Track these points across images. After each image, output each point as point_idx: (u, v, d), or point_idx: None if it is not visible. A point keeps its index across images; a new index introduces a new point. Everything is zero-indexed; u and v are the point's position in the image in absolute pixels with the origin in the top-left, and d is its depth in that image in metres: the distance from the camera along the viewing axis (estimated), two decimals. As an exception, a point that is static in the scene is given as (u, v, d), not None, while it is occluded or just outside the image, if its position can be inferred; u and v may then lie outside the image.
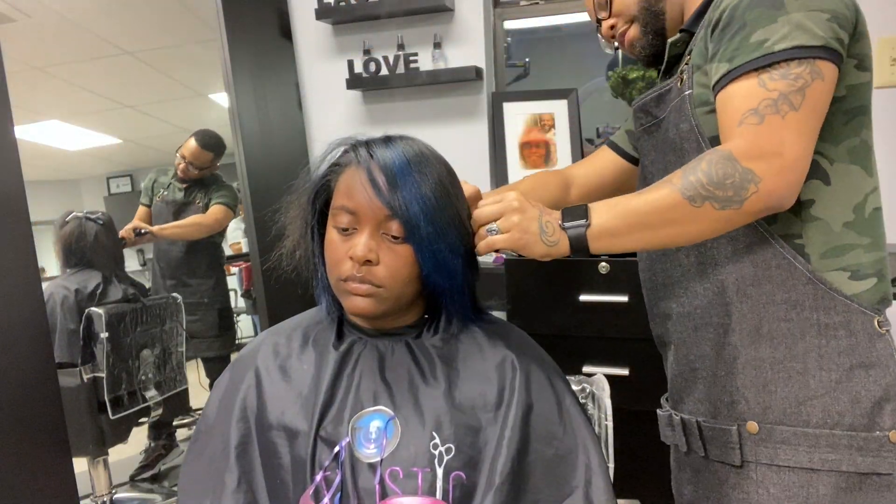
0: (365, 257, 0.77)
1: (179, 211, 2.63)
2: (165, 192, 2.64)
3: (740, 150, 0.74)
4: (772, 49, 0.74)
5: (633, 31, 0.98)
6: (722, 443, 0.86)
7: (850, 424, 0.79)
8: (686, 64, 0.89)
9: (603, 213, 0.80)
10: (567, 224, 0.80)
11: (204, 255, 2.72)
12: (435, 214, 0.78)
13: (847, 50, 0.78)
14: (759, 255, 0.83)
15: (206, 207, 2.66)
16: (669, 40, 0.93)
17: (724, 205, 0.74)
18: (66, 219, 2.31)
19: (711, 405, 0.89)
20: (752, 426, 0.83)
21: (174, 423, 2.70)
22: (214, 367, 2.67)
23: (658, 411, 1.01)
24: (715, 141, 0.83)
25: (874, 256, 0.83)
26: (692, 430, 0.91)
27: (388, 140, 0.83)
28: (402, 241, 0.79)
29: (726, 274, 0.86)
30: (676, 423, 0.95)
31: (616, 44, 1.02)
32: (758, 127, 0.74)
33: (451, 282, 0.83)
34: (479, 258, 0.91)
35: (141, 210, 2.61)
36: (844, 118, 0.81)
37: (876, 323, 0.81)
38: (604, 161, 1.21)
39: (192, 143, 2.60)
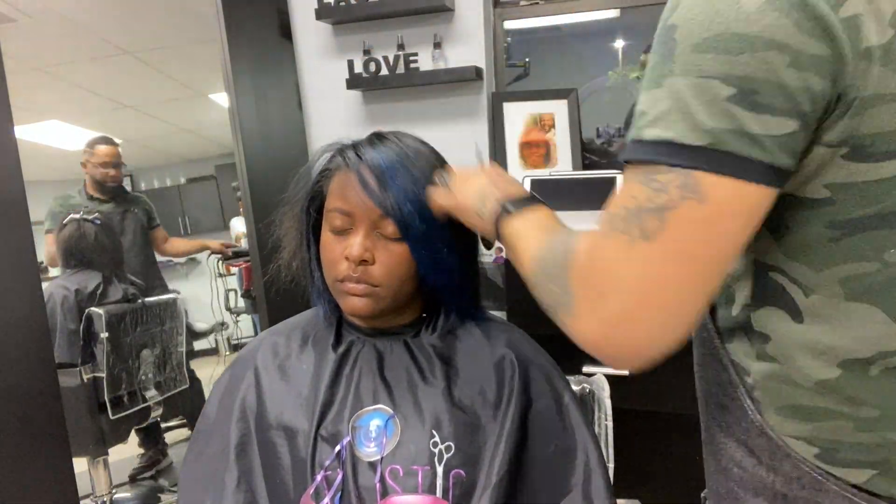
0: (361, 257, 0.77)
1: (123, 220, 2.63)
2: (86, 213, 2.44)
3: (579, 258, 0.52)
4: (641, 135, 0.48)
5: None
6: None
7: None
8: None
9: (520, 221, 0.66)
10: (505, 202, 0.69)
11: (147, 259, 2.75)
12: (428, 212, 0.78)
13: (824, 130, 0.46)
14: (719, 374, 0.62)
15: (147, 217, 2.71)
16: None
17: (546, 307, 0.56)
18: (64, 221, 2.31)
19: None
20: None
21: (167, 424, 2.71)
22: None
23: None
24: None
25: (874, 439, 0.52)
26: None
27: (375, 139, 0.83)
28: (397, 240, 0.79)
29: (699, 379, 0.68)
30: None
31: None
32: (602, 238, 0.50)
33: (447, 279, 0.83)
34: (480, 258, 0.91)
35: (49, 238, 2.43)
36: (833, 233, 0.50)
37: None
38: None
39: (101, 147, 2.58)
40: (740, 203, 0.45)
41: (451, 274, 0.83)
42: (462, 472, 0.76)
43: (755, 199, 0.45)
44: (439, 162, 0.84)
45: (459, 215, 0.76)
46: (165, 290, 2.74)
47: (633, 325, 0.48)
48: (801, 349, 0.54)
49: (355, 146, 0.82)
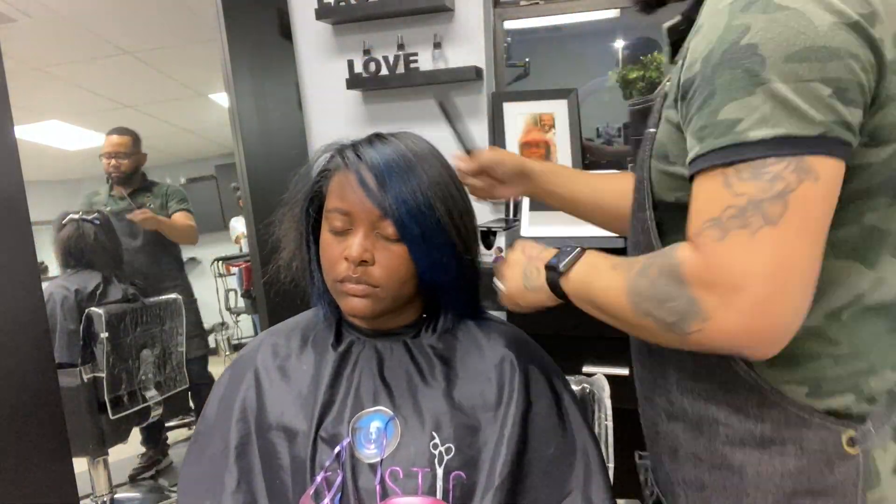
0: (360, 257, 0.77)
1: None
2: (108, 207, 2.49)
3: (692, 267, 0.56)
4: (745, 138, 0.53)
5: None
6: None
7: None
8: (669, 79, 0.68)
9: (579, 274, 0.70)
10: (548, 266, 0.73)
11: (167, 261, 2.66)
12: (427, 213, 0.78)
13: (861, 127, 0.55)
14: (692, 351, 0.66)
15: (161, 207, 2.59)
16: (665, 25, 0.76)
17: (665, 329, 0.59)
18: (63, 221, 2.31)
19: (661, 487, 0.81)
20: None
21: (167, 424, 2.70)
22: (192, 368, 2.64)
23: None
24: (665, 210, 0.67)
25: (851, 368, 0.63)
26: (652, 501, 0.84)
27: (375, 139, 0.82)
28: (396, 241, 0.79)
29: (668, 358, 0.72)
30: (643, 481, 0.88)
31: None
32: (717, 244, 0.54)
33: (447, 279, 0.83)
34: (479, 258, 0.91)
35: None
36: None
37: (844, 441, 0.62)
38: None
39: (110, 137, 2.52)
40: (833, 179, 0.54)
41: (450, 275, 0.82)
42: (462, 473, 0.76)
43: (839, 175, 0.54)
44: (441, 161, 0.84)
45: (527, 306, 0.79)
46: (181, 292, 2.62)
47: (774, 309, 0.53)
48: None
49: (355, 146, 0.82)
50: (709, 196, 0.56)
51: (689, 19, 0.72)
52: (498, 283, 0.82)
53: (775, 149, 0.52)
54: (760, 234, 0.52)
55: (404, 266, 0.79)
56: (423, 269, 0.80)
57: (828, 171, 0.53)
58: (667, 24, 0.76)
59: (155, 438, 2.63)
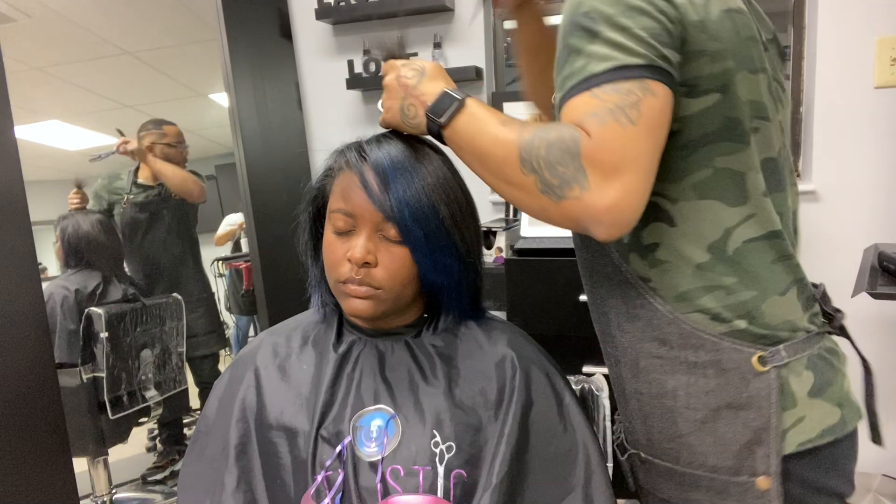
0: (363, 259, 0.77)
1: (159, 210, 2.51)
2: (132, 196, 2.46)
3: (587, 144, 0.63)
4: (592, 71, 0.64)
5: None
6: (622, 468, 0.89)
7: (712, 466, 0.75)
8: None
9: (463, 124, 0.73)
10: (429, 113, 0.75)
11: (185, 254, 2.64)
12: (430, 217, 0.78)
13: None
14: (626, 293, 0.78)
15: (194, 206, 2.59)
16: None
17: (545, 189, 0.65)
18: (64, 220, 2.31)
19: (622, 425, 0.89)
20: (641, 456, 0.83)
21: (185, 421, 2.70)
22: (204, 366, 2.64)
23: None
24: None
25: (743, 297, 0.73)
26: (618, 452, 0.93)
27: (380, 139, 0.82)
28: (399, 243, 0.79)
29: (608, 307, 0.82)
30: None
31: None
32: (601, 126, 0.63)
33: (449, 282, 0.83)
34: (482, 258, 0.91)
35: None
36: (683, 153, 0.71)
37: (755, 360, 0.72)
38: None
39: (167, 128, 2.51)
40: (666, 100, 0.65)
41: (452, 277, 0.82)
42: (463, 472, 0.76)
43: (669, 99, 0.65)
44: (447, 163, 0.84)
45: (397, 128, 0.81)
46: (199, 288, 2.60)
47: (635, 194, 0.63)
48: (680, 244, 0.73)
49: (359, 146, 0.81)
50: (581, 104, 0.65)
51: None
52: (379, 105, 0.84)
53: (620, 75, 0.63)
54: (628, 130, 0.62)
55: (407, 268, 0.79)
56: (426, 271, 0.80)
57: (660, 91, 0.64)
58: None
59: (174, 440, 2.59)
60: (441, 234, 0.79)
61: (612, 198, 0.62)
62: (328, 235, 0.82)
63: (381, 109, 0.83)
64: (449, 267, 0.81)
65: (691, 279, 0.73)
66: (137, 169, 2.51)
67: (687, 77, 0.68)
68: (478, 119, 0.73)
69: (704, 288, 0.73)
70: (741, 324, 0.73)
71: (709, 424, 0.75)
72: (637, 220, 0.64)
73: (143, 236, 2.47)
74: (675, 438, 0.77)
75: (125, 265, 2.49)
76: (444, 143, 0.77)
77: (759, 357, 0.72)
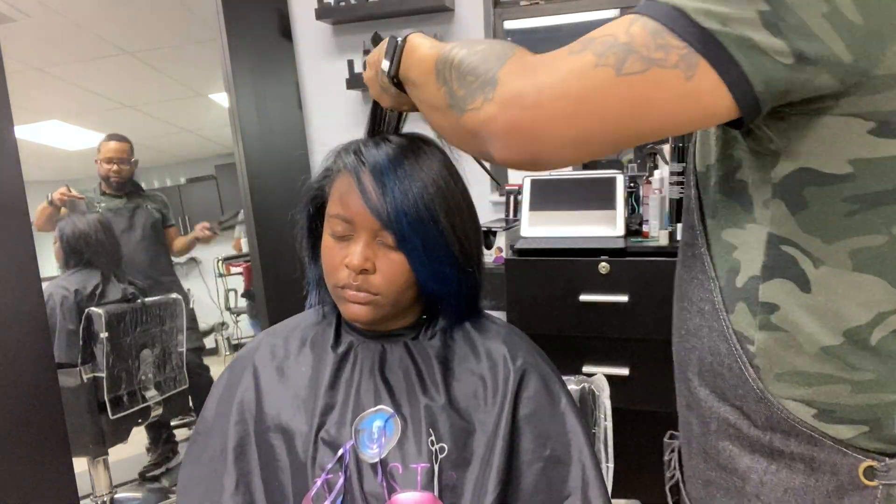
0: (361, 266, 0.77)
1: (133, 216, 2.65)
2: (103, 205, 2.60)
3: (516, 59, 0.53)
4: (678, 3, 0.48)
5: None
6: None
7: None
8: None
9: (406, 63, 0.68)
10: (381, 68, 0.72)
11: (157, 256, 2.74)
12: (428, 225, 0.77)
13: (847, 99, 0.49)
14: (713, 344, 0.64)
15: (162, 215, 2.72)
16: None
17: (450, 102, 0.57)
18: (63, 220, 2.32)
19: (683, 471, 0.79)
20: None
21: (172, 423, 2.71)
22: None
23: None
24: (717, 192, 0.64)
25: (875, 398, 0.56)
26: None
27: (380, 142, 0.80)
28: (397, 249, 0.78)
29: (693, 351, 0.69)
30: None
31: None
32: (565, 54, 0.51)
33: (447, 288, 0.82)
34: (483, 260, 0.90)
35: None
36: (846, 207, 0.52)
37: (861, 470, 0.56)
38: None
39: (108, 143, 2.61)
40: (708, 109, 0.49)
41: (451, 284, 0.82)
42: (453, 474, 0.76)
43: (724, 110, 0.48)
44: (448, 167, 0.82)
45: (395, 104, 0.77)
46: (176, 287, 2.71)
47: (546, 126, 0.50)
48: (808, 317, 0.56)
49: (358, 150, 0.80)
50: (616, 22, 0.51)
51: None
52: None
53: (683, 26, 0.47)
54: (599, 70, 0.48)
55: (405, 275, 0.79)
56: (424, 279, 0.80)
57: (703, 86, 0.47)
58: None
59: (157, 439, 2.64)
60: (439, 244, 0.78)
61: (512, 120, 0.51)
62: (327, 239, 0.81)
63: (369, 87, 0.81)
64: (447, 275, 0.81)
65: (809, 363, 0.56)
66: (101, 184, 2.65)
67: (876, 108, 0.49)
68: (416, 47, 0.67)
69: (823, 377, 0.57)
70: (857, 430, 0.57)
71: None
72: (543, 165, 0.54)
73: (120, 236, 2.58)
74: None
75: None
76: (410, 99, 0.71)
77: (868, 468, 0.56)
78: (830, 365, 0.56)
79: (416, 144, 0.81)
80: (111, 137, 2.63)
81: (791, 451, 0.59)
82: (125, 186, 2.64)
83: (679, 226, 1.58)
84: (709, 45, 0.46)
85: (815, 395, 0.57)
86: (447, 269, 0.80)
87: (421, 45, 0.66)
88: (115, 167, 2.60)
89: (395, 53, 0.68)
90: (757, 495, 0.62)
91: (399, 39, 0.69)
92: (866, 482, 0.56)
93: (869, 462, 0.56)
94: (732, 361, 0.62)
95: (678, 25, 0.47)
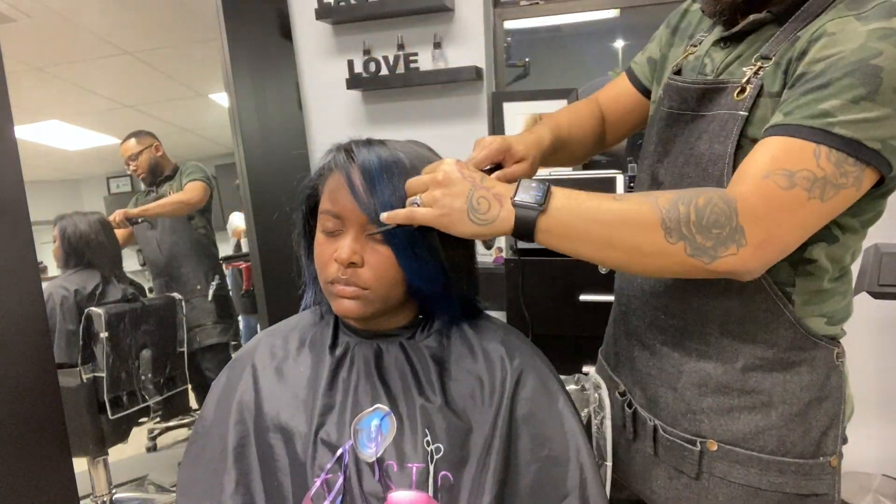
0: (349, 259, 0.77)
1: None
2: (152, 195, 2.71)
3: (747, 204, 0.68)
4: (831, 129, 0.66)
5: None
6: (679, 454, 0.90)
7: (799, 453, 0.83)
8: (756, 70, 0.77)
9: (563, 205, 0.72)
10: (519, 201, 0.72)
11: (195, 251, 2.75)
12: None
13: None
14: (749, 296, 0.82)
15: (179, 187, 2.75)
16: (752, 17, 0.79)
17: (696, 252, 0.69)
18: (63, 220, 2.32)
19: (670, 415, 0.91)
20: (713, 444, 0.86)
21: (172, 423, 2.71)
22: (215, 356, 2.71)
23: (616, 395, 1.02)
24: None
25: (847, 300, 0.85)
26: (646, 430, 0.95)
27: (372, 142, 0.82)
28: (385, 243, 0.78)
29: (710, 307, 0.85)
30: (628, 415, 0.99)
31: None
32: (781, 192, 0.67)
33: (434, 285, 0.82)
34: (479, 258, 0.90)
35: (122, 233, 2.65)
36: (879, 199, 0.78)
37: (835, 355, 0.83)
38: (622, 91, 1.09)
39: (121, 146, 2.71)
40: (865, 189, 0.71)
41: (438, 281, 0.81)
42: (449, 474, 0.76)
43: (870, 186, 0.71)
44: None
45: (444, 229, 0.74)
46: (216, 287, 2.73)
47: (782, 254, 0.72)
48: (828, 263, 0.80)
49: (349, 148, 0.81)
50: (791, 155, 0.67)
51: (775, 18, 0.79)
52: (417, 199, 0.75)
53: (854, 151, 0.66)
54: (811, 203, 0.68)
55: (393, 269, 0.79)
56: (411, 275, 0.80)
57: (866, 184, 0.69)
58: (753, 17, 0.80)
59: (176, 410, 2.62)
60: (426, 239, 0.78)
61: (765, 257, 0.69)
62: (318, 236, 0.82)
63: (420, 204, 0.74)
64: (434, 272, 0.81)
65: (825, 287, 0.81)
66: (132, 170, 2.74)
67: None
68: (577, 198, 0.73)
69: (833, 292, 0.83)
70: (840, 327, 0.84)
71: (800, 417, 0.82)
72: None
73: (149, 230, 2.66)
74: (765, 431, 0.83)
75: (143, 255, 2.64)
76: (528, 238, 0.72)
77: (836, 353, 0.83)
78: (834, 285, 0.82)
79: (408, 146, 0.83)
80: (126, 138, 2.71)
81: (800, 358, 0.82)
82: (152, 177, 2.71)
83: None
84: (874, 159, 0.68)
85: (826, 308, 0.82)
86: (434, 267, 0.80)
87: (586, 197, 0.73)
88: (132, 165, 2.69)
89: (543, 195, 0.72)
90: (783, 401, 0.83)
91: (544, 183, 0.73)
92: (837, 363, 0.83)
93: (836, 349, 0.83)
94: (769, 304, 0.81)
95: (852, 150, 0.67)
